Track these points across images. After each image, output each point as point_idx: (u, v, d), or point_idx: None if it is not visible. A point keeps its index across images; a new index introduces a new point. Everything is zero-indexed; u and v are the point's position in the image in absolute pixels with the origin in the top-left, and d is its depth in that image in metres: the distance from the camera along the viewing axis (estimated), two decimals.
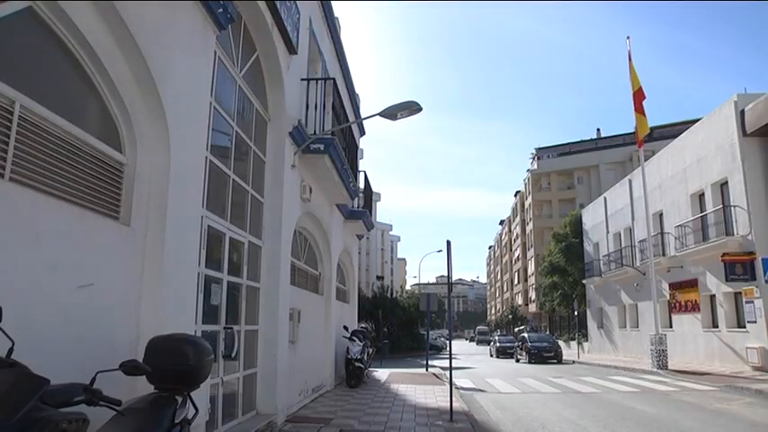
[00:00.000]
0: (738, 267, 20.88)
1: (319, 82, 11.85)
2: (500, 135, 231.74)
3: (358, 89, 20.78)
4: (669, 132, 42.31)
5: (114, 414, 3.38)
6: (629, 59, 24.77)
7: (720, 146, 22.85)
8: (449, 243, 11.76)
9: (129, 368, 3.68)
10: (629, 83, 24.79)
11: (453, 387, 11.98)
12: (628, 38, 25.36)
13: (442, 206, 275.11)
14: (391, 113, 10.29)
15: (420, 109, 10.20)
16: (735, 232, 21.76)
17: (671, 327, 26.72)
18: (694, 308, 25.04)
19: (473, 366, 28.80)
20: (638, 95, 24.48)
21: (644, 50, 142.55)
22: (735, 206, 21.84)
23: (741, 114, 21.58)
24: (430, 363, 25.00)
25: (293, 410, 10.79)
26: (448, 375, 12.19)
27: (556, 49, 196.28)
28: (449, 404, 10.89)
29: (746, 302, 21.12)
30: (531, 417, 11.62)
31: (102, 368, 3.48)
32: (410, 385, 16.94)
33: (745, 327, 21.37)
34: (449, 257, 11.66)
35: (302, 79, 11.35)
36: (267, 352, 9.27)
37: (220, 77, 7.38)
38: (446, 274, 11.97)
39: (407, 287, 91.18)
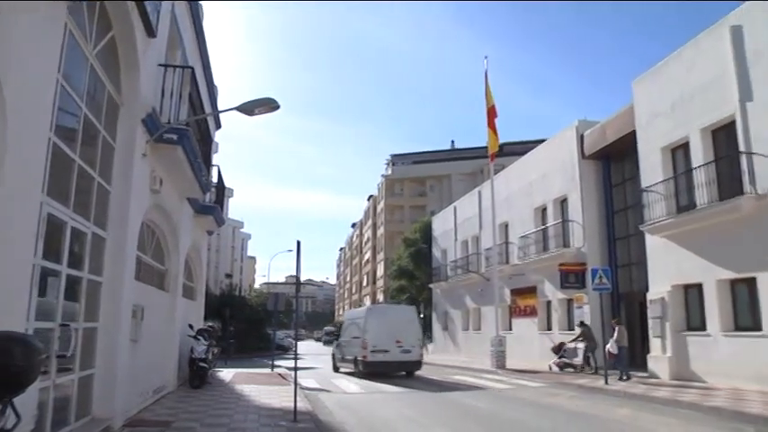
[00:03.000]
0: (572, 276, 22.64)
1: (177, 69, 11.38)
2: (357, 139, 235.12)
3: (217, 82, 20.14)
4: (518, 149, 44.93)
5: None
6: (486, 78, 26.11)
7: (562, 165, 24.72)
8: (299, 243, 11.76)
9: None
10: (484, 99, 26.11)
11: (298, 387, 11.91)
12: (485, 57, 26.88)
13: (295, 206, 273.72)
14: (248, 109, 10.04)
15: (278, 107, 10.03)
16: (571, 244, 23.61)
17: (510, 329, 28.44)
18: (532, 312, 26.86)
19: (319, 366, 28.64)
20: (492, 113, 25.83)
21: (499, 70, 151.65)
22: (572, 221, 23.72)
23: (581, 138, 23.54)
24: (276, 363, 24.70)
25: (132, 413, 10.15)
26: (293, 375, 12.14)
27: (416, 61, 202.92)
28: (293, 404, 10.78)
29: (577, 308, 22.95)
30: (374, 416, 11.84)
31: None
32: (255, 386, 16.65)
33: (574, 329, 23.17)
34: (298, 257, 11.65)
35: (159, 65, 10.76)
36: (106, 351, 8.64)
37: (70, 53, 6.75)
38: (296, 273, 11.90)
39: (256, 286, 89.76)
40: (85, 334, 8.07)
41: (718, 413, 11.19)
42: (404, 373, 21.08)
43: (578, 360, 21.06)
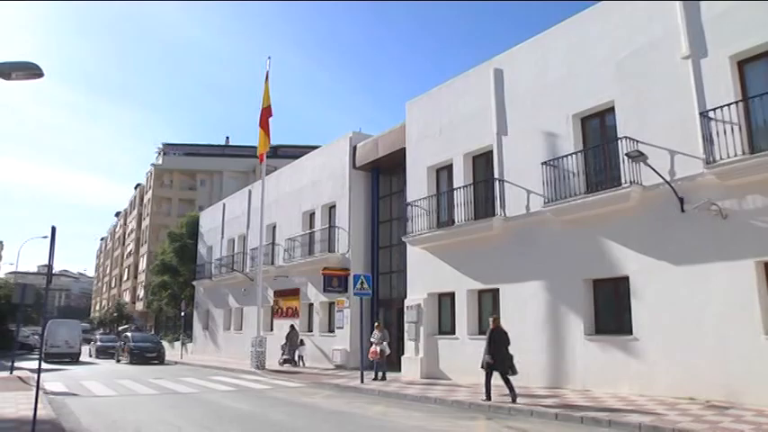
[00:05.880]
0: (335, 280, 22.60)
1: None
2: (131, 123, 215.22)
3: None
4: (293, 152, 44.65)
5: None
6: (267, 78, 25.24)
7: (333, 173, 24.75)
8: (54, 229, 10.13)
9: None
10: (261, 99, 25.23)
11: (42, 392, 10.31)
12: (269, 58, 26.01)
13: (55, 188, 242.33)
14: (4, 71, 8.34)
15: (41, 74, 8.55)
16: (336, 250, 23.63)
17: (272, 330, 27.70)
18: (294, 314, 26.44)
19: (69, 368, 25.58)
20: (266, 112, 25.05)
21: (285, 74, 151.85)
22: (338, 227, 23.78)
23: (353, 150, 23.76)
24: (20, 365, 21.56)
25: None
26: (36, 378, 10.38)
27: (200, 52, 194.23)
28: (33, 413, 9.06)
29: (338, 311, 23.11)
30: (126, 420, 10.85)
31: None
32: None
33: (334, 332, 23.33)
34: (52, 245, 10.04)
35: None
36: None
37: None
38: (48, 263, 10.33)
39: (2, 275, 77.64)
40: None
41: (459, 405, 12.36)
42: (72, 359, 31.14)
43: (293, 357, 24.39)
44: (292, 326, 25.36)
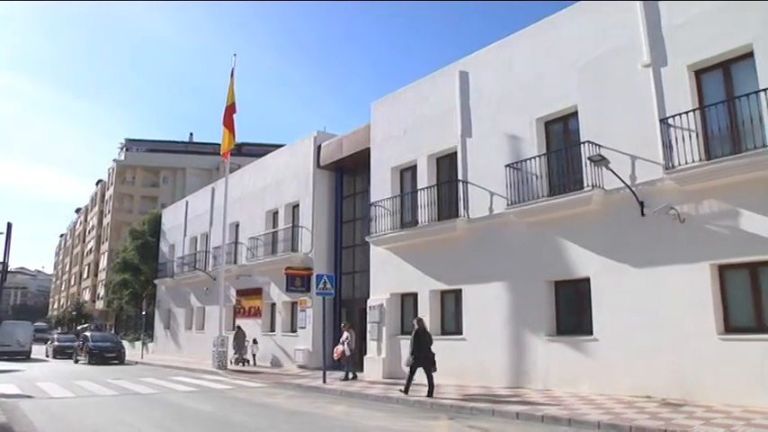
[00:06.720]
0: (297, 280, 22.26)
1: None
2: (94, 117, 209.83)
3: None
4: (257, 151, 43.94)
5: None
6: (232, 75, 24.78)
7: (297, 172, 24.33)
8: (9, 225, 9.73)
9: None
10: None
11: None
12: (234, 55, 25.54)
13: (11, 182, 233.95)
14: None
15: None
16: (299, 249, 23.23)
17: (233, 330, 27.14)
18: (257, 313, 25.95)
19: (24, 369, 24.58)
20: (230, 110, 24.59)
21: (250, 70, 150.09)
22: (302, 227, 23.39)
23: (318, 149, 23.37)
24: None
25: None
26: None
27: (167, 47, 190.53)
28: None
29: (300, 311, 22.73)
30: (84, 423, 10.45)
31: None
32: None
33: (296, 332, 22.92)
34: (8, 242, 9.63)
35: None
36: None
37: None
38: (3, 260, 10.16)
39: None
40: None
41: (421, 405, 12.31)
42: (23, 357, 32.75)
43: (247, 356, 24.91)
44: (239, 326, 25.81)
